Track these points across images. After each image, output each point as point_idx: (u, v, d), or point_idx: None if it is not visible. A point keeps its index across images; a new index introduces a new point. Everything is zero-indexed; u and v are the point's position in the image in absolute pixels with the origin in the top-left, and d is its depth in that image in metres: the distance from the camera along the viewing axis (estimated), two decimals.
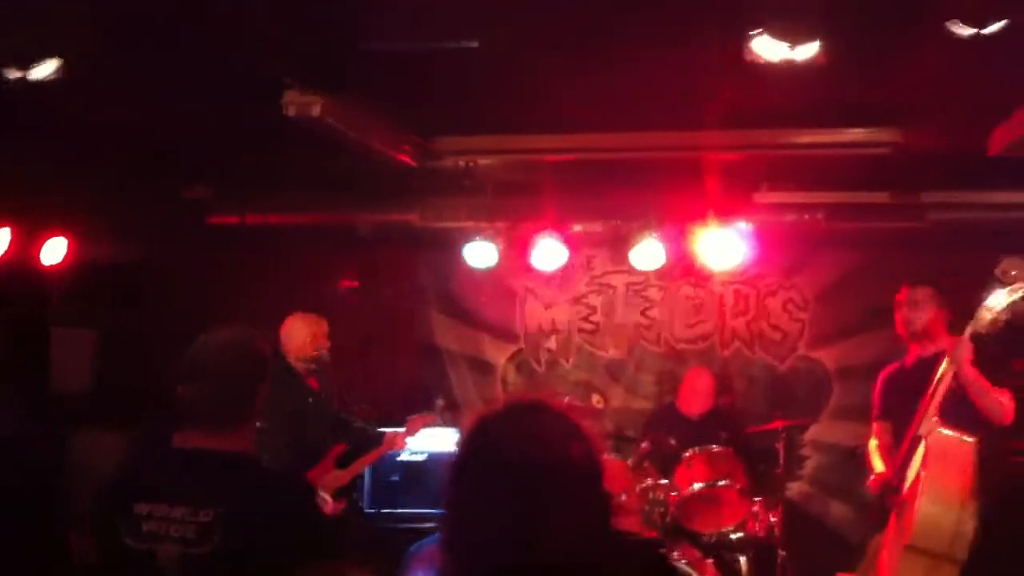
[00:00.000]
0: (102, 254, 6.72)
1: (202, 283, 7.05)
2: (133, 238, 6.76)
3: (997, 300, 4.47)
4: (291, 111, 4.50)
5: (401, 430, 6.16)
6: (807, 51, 3.58)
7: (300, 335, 5.65)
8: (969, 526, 4.45)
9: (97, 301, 7.07)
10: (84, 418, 6.88)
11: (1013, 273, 4.51)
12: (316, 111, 4.48)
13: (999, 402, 4.75)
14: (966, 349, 4.58)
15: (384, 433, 6.11)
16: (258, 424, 5.21)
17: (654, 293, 8.04)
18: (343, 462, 5.74)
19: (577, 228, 7.27)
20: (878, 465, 5.17)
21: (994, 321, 4.49)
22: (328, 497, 5.45)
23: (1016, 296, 4.46)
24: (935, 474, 4.51)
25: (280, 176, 6.32)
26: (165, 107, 5.03)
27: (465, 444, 1.92)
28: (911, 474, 4.68)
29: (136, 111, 5.05)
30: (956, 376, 4.62)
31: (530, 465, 1.83)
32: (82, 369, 7.43)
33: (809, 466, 7.86)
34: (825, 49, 3.55)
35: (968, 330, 4.56)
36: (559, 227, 7.09)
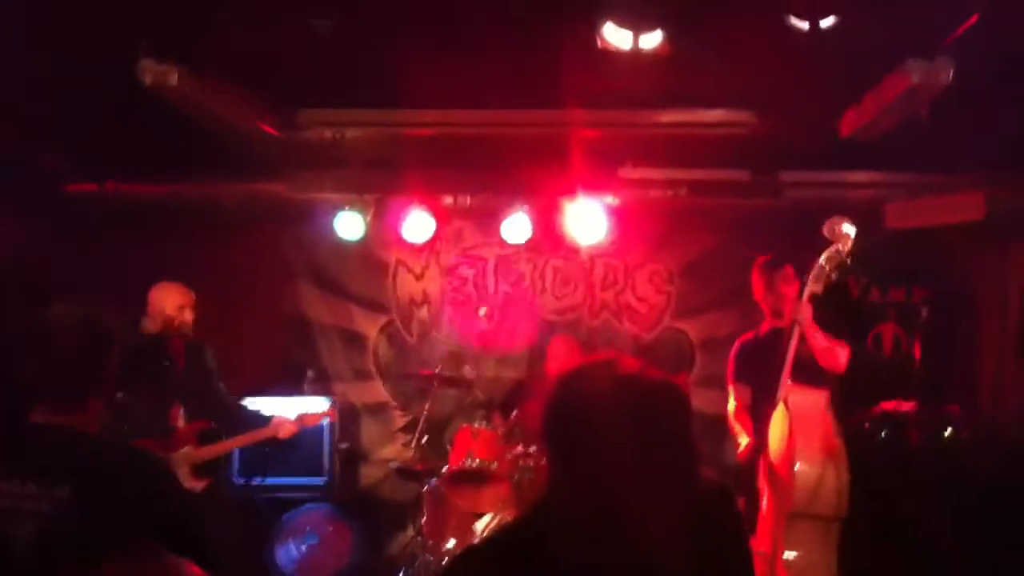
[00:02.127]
0: None
1: (58, 255, 6.84)
2: None
3: (826, 258, 4.76)
4: (148, 79, 4.40)
5: (289, 417, 6.04)
6: (651, 40, 3.69)
7: (161, 304, 5.59)
8: (844, 479, 4.68)
9: None
10: None
11: (837, 230, 4.77)
12: (174, 80, 4.40)
13: (834, 351, 5.04)
14: (806, 310, 4.85)
15: (271, 417, 5.99)
16: (119, 394, 5.18)
17: (524, 265, 8.13)
18: (215, 438, 5.68)
19: (447, 201, 7.31)
20: (743, 436, 5.38)
21: (827, 277, 4.78)
22: (184, 473, 5.39)
23: (843, 252, 4.76)
24: (801, 435, 4.72)
25: (142, 145, 6.17)
26: (20, 73, 4.87)
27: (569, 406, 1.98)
28: (777, 440, 4.87)
29: None
30: (801, 337, 4.88)
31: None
32: None
33: None
34: (669, 39, 3.67)
35: (806, 292, 4.84)
36: (428, 199, 7.13)
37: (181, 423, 5.56)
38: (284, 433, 5.94)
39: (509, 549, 1.99)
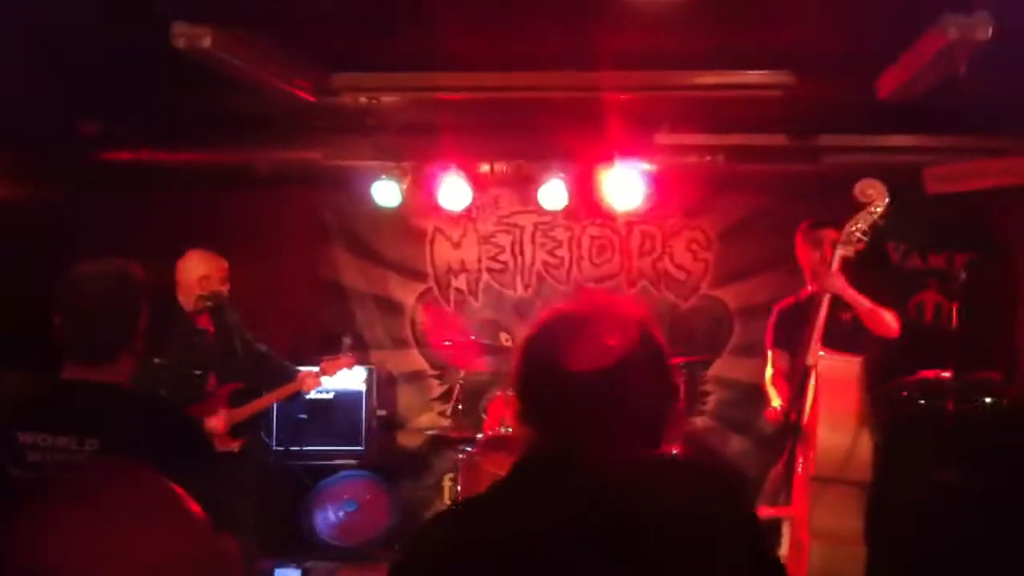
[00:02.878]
0: None
1: (97, 221, 6.91)
2: (23, 175, 6.56)
3: (857, 221, 4.69)
4: (180, 43, 4.39)
5: (315, 369, 6.04)
6: None
7: (192, 273, 5.58)
8: (866, 446, 4.64)
9: None
10: None
11: (869, 192, 4.69)
12: (207, 43, 4.38)
13: (884, 317, 4.97)
14: (836, 274, 4.79)
15: (298, 371, 5.99)
16: (156, 360, 5.22)
17: (561, 233, 8.13)
18: (247, 398, 5.73)
19: (484, 168, 7.30)
20: (775, 398, 5.35)
21: (858, 241, 4.71)
22: (218, 435, 5.44)
23: (874, 214, 4.68)
24: (828, 400, 4.70)
25: (178, 112, 6.20)
26: (52, 40, 4.90)
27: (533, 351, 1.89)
28: (806, 405, 4.84)
29: (23, 44, 4.92)
30: (832, 302, 4.83)
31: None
32: None
33: (712, 401, 8.06)
34: None
35: (836, 256, 4.76)
36: (465, 166, 7.12)
37: (214, 387, 5.61)
38: (309, 386, 5.97)
39: (485, 509, 1.90)
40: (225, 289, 5.61)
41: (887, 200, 4.73)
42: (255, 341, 5.84)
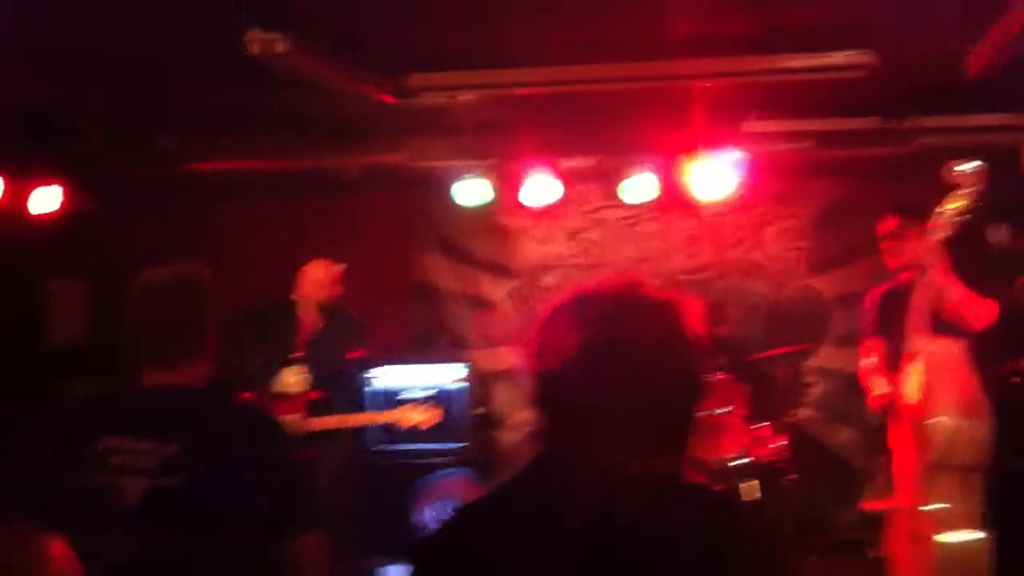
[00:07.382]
0: (84, 204, 6.67)
1: (187, 232, 7.05)
2: (114, 188, 6.71)
3: (949, 203, 4.52)
4: (255, 49, 4.43)
5: (417, 409, 5.90)
6: None
7: (308, 280, 5.74)
8: (984, 431, 4.49)
9: (84, 252, 7.03)
10: (81, 371, 6.86)
11: (958, 173, 4.52)
12: (281, 49, 4.43)
13: (976, 305, 4.79)
14: (932, 257, 4.62)
15: (401, 401, 6.02)
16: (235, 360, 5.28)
17: (650, 226, 8.04)
18: (329, 409, 5.73)
19: (568, 163, 7.24)
20: (877, 386, 5.17)
21: (952, 224, 4.54)
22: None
23: (966, 196, 4.51)
24: (936, 386, 4.53)
25: (260, 122, 6.28)
26: (132, 54, 5.00)
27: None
28: (914, 391, 4.67)
29: (97, 58, 5.03)
30: (934, 283, 4.66)
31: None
32: (77, 322, 7.42)
33: (815, 392, 7.90)
34: None
35: (932, 238, 4.60)
36: (548, 162, 7.07)
37: (295, 389, 5.64)
38: (404, 422, 5.80)
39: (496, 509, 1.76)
40: (337, 293, 5.78)
41: (980, 181, 4.53)
42: (353, 375, 5.97)
